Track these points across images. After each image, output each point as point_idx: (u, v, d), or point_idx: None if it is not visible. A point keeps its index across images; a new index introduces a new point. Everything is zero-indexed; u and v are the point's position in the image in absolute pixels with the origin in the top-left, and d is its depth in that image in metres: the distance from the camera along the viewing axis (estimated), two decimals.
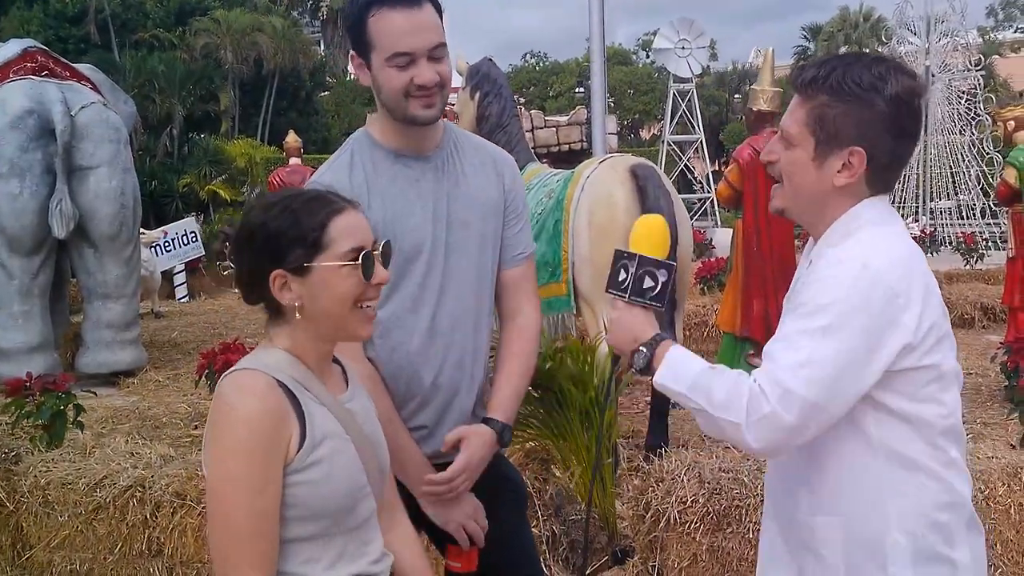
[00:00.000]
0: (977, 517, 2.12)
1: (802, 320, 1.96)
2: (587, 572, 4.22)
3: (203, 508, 4.23)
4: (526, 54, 65.83)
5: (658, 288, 2.15)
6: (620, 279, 2.18)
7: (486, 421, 2.56)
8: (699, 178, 29.83)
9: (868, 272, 1.92)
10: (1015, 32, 51.05)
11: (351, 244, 1.89)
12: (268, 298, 1.90)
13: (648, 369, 2.09)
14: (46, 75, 8.95)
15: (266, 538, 1.79)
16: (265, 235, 1.86)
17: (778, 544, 2.20)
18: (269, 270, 1.86)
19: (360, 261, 1.89)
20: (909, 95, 1.98)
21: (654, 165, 5.71)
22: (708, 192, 28.76)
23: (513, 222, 2.68)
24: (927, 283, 1.99)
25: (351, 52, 2.50)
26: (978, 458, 4.15)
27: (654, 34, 46.39)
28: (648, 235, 2.22)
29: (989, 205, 20.42)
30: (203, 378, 6.63)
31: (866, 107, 1.97)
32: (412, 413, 2.55)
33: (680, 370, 2.06)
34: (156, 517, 4.30)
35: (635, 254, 2.18)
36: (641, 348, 2.11)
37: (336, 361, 2.08)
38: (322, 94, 44.37)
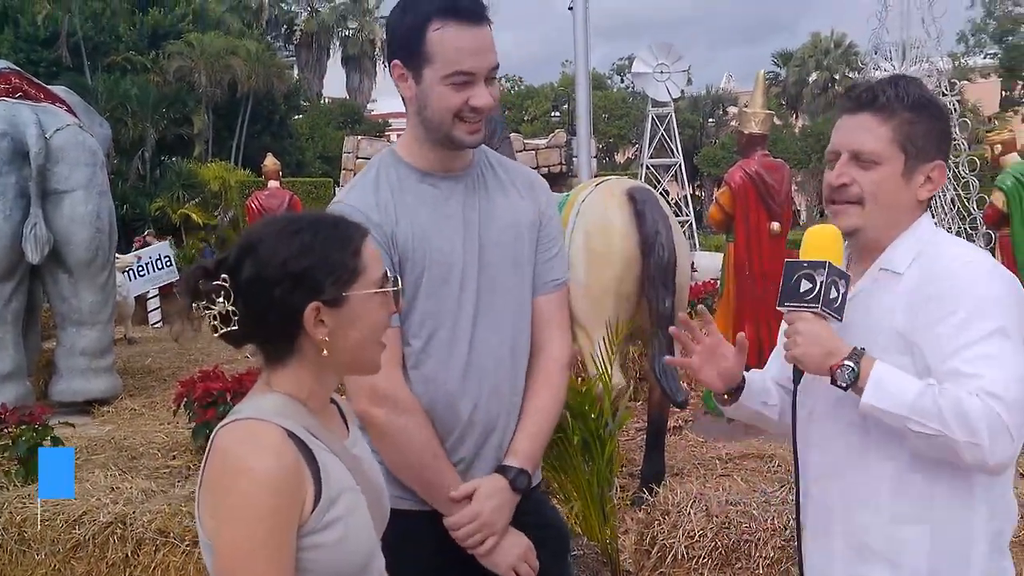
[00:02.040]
0: None
1: (969, 328, 1.92)
2: None
3: (187, 546, 4.07)
4: (500, 78, 65.99)
5: (840, 300, 2.02)
6: (803, 290, 2.02)
7: (499, 469, 2.38)
8: (676, 200, 29.88)
9: (999, 270, 1.98)
10: (985, 58, 51.63)
11: (381, 270, 1.74)
12: (287, 337, 1.69)
13: (854, 385, 1.96)
14: (20, 97, 8.74)
15: None
16: (299, 267, 1.65)
17: (839, 558, 2.14)
18: (303, 305, 1.65)
19: (392, 287, 1.75)
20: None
21: (651, 188, 5.61)
22: (685, 216, 28.80)
23: (548, 247, 2.51)
24: None
25: (395, 61, 2.32)
26: None
27: (629, 59, 46.70)
28: (830, 245, 2.06)
29: (965, 228, 20.55)
30: (181, 407, 6.45)
31: (939, 120, 2.08)
32: (449, 448, 2.35)
33: (895, 391, 1.93)
34: (138, 555, 4.13)
35: (824, 262, 2.01)
36: (846, 362, 1.96)
37: (332, 401, 1.88)
38: (296, 117, 44.47)
